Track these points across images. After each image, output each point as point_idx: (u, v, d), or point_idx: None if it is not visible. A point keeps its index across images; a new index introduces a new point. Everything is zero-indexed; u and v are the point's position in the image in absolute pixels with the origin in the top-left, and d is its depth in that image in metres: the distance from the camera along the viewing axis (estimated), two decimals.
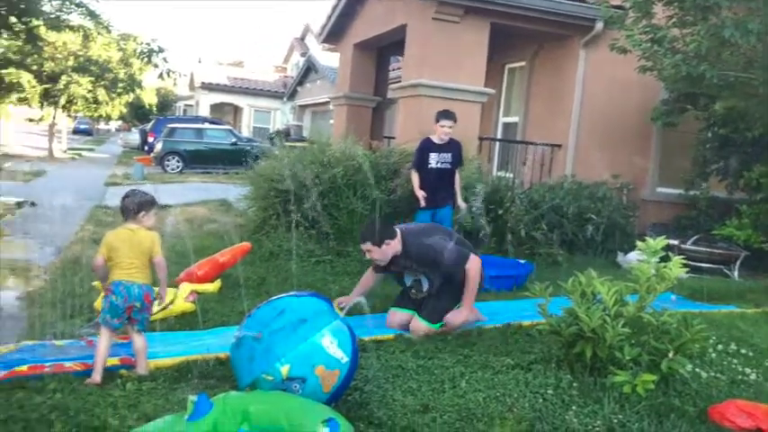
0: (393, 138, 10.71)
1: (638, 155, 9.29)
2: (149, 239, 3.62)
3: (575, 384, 3.54)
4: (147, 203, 3.68)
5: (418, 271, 4.60)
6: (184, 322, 4.64)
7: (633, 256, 6.73)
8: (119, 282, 3.53)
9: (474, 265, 4.48)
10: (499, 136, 11.01)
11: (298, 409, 2.81)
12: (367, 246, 4.44)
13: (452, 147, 6.31)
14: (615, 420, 3.17)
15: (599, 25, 8.63)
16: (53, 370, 3.44)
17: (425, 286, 4.60)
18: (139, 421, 2.91)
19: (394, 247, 4.47)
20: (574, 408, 3.28)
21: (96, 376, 3.42)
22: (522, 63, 10.57)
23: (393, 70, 13.67)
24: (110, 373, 3.53)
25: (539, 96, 10.11)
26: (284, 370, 3.07)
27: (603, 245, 7.91)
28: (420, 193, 6.19)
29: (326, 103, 23.38)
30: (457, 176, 6.45)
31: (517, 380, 3.63)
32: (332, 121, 17.13)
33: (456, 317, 4.49)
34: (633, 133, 9.24)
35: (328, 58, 24.97)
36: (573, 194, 7.97)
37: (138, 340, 3.62)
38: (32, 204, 10.96)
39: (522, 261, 6.67)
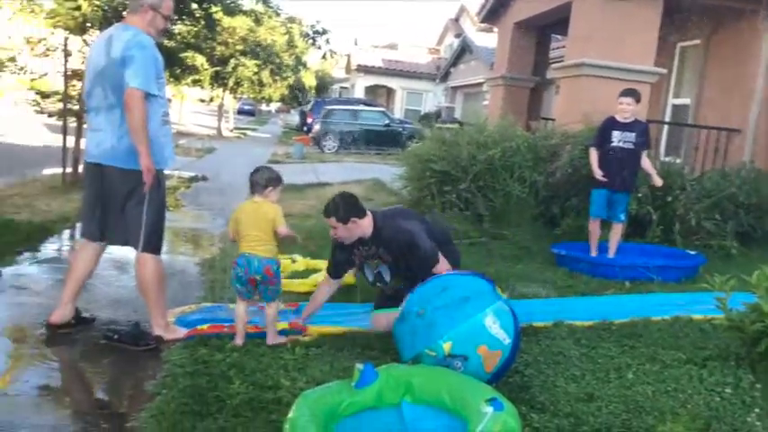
0: (551, 119, 10.38)
1: None
2: (272, 212, 3.64)
3: (757, 385, 3.27)
4: (275, 179, 3.74)
5: (382, 259, 3.99)
6: (344, 296, 4.77)
7: None
8: (242, 254, 3.62)
9: (444, 267, 3.89)
10: (667, 119, 10.33)
11: (460, 386, 2.81)
12: (331, 221, 3.85)
13: (637, 127, 5.95)
14: None
15: None
16: (231, 330, 3.69)
17: (387, 276, 4.03)
18: (309, 384, 3.06)
19: (362, 227, 3.90)
20: (756, 410, 3.02)
21: (238, 339, 3.61)
22: (697, 41, 9.82)
23: (553, 50, 13.23)
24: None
25: (714, 77, 9.35)
26: (446, 347, 3.08)
27: None
28: (598, 171, 5.93)
29: (479, 84, 23.15)
30: (645, 158, 6.04)
31: (690, 375, 3.41)
32: (485, 103, 16.95)
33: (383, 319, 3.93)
34: None
35: (483, 39, 24.66)
36: (751, 183, 7.32)
37: (267, 311, 3.70)
38: (204, 178, 11.83)
39: (692, 252, 6.24)
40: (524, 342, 3.73)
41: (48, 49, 9.58)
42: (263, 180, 3.70)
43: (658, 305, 4.79)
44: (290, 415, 2.51)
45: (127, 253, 5.66)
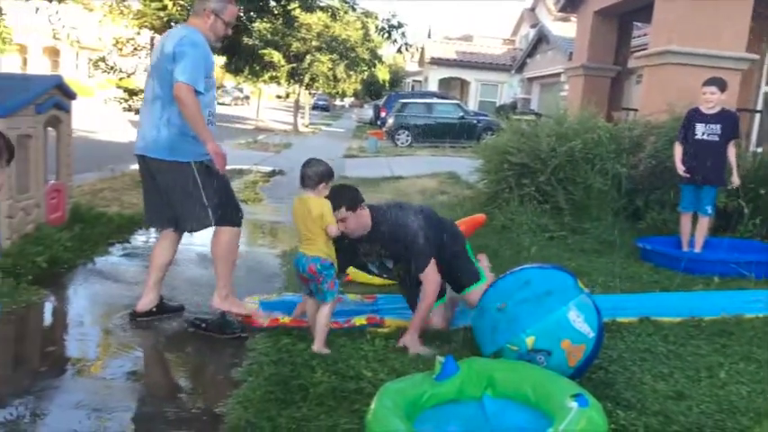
0: (633, 110, 10.06)
1: None
2: (318, 207, 3.43)
3: None
4: (327, 174, 3.53)
5: (382, 255, 3.80)
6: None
7: None
8: (298, 252, 3.56)
9: (433, 275, 3.63)
10: (759, 107, 9.84)
11: (544, 381, 2.77)
12: (342, 213, 3.53)
13: (723, 117, 5.68)
14: None
15: None
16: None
17: (390, 265, 3.85)
18: (390, 375, 3.08)
19: (366, 217, 3.66)
20: None
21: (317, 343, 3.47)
22: None
23: (636, 38, 12.80)
24: (360, 330, 3.77)
25: None
26: (529, 341, 3.04)
27: None
28: (680, 167, 5.72)
29: (556, 74, 22.67)
30: (731, 150, 5.75)
31: None
32: (563, 93, 16.56)
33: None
34: None
35: (561, 29, 24.13)
36: None
37: (319, 310, 3.50)
38: (281, 173, 12.08)
39: None
40: (608, 338, 3.64)
41: (135, 49, 10.00)
42: (315, 175, 3.49)
43: (751, 302, 4.58)
44: (373, 405, 2.54)
45: None
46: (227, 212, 3.84)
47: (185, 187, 3.72)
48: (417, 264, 3.62)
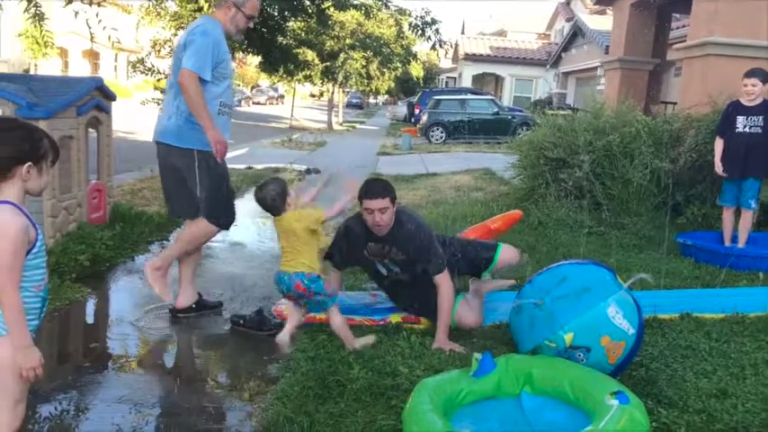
0: (672, 103, 9.86)
1: None
2: (294, 219, 3.34)
3: None
4: (284, 188, 3.39)
5: (394, 259, 3.72)
6: None
7: None
8: (277, 272, 3.44)
9: (448, 280, 3.62)
10: None
11: (583, 378, 2.73)
12: (384, 202, 3.48)
13: (765, 109, 5.54)
14: None
15: None
16: (348, 322, 3.74)
17: (396, 269, 3.76)
18: (426, 372, 3.07)
19: (393, 216, 3.62)
20: None
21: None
22: None
23: (674, 29, 12.55)
24: (396, 327, 3.80)
25: None
26: (568, 338, 3.00)
27: None
28: (719, 165, 5.60)
29: (593, 69, 22.35)
30: None
31: None
32: (599, 88, 16.32)
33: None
34: None
35: (597, 22, 23.77)
36: None
37: (330, 319, 3.44)
38: (317, 171, 12.13)
39: None
40: (649, 335, 3.59)
41: (172, 50, 10.13)
42: (278, 197, 3.34)
43: None
44: (410, 401, 2.54)
45: (259, 246, 5.97)
46: (214, 210, 3.89)
47: (183, 173, 3.81)
48: (436, 267, 3.60)
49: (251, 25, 4.06)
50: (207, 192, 3.82)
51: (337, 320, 3.41)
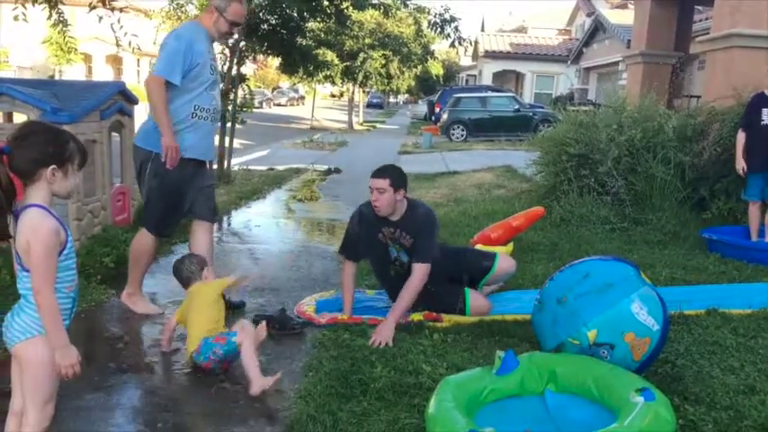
0: (696, 96, 9.73)
1: None
2: (210, 294, 3.37)
3: None
4: (197, 267, 3.51)
5: (402, 244, 3.88)
6: None
7: None
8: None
9: (424, 273, 3.76)
10: None
11: (607, 375, 2.71)
12: (385, 182, 3.71)
13: None
14: None
15: None
16: (371, 322, 3.77)
17: (404, 258, 3.91)
18: (449, 370, 3.07)
19: (401, 202, 3.83)
20: None
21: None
22: None
23: (697, 22, 12.38)
24: (418, 325, 3.79)
25: None
26: (591, 335, 2.97)
27: None
28: (740, 161, 5.52)
29: (614, 63, 22.15)
30: None
31: None
32: (621, 82, 16.15)
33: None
34: None
35: (618, 16, 23.55)
36: None
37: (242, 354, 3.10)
38: (338, 171, 12.17)
39: None
40: (674, 331, 3.55)
41: None
42: (197, 264, 3.53)
43: None
44: (433, 400, 2.53)
45: (281, 246, 6.00)
46: (151, 215, 3.92)
47: (140, 173, 3.87)
48: (423, 255, 3.77)
49: (234, 31, 4.06)
50: (149, 195, 3.87)
51: (245, 351, 3.07)
